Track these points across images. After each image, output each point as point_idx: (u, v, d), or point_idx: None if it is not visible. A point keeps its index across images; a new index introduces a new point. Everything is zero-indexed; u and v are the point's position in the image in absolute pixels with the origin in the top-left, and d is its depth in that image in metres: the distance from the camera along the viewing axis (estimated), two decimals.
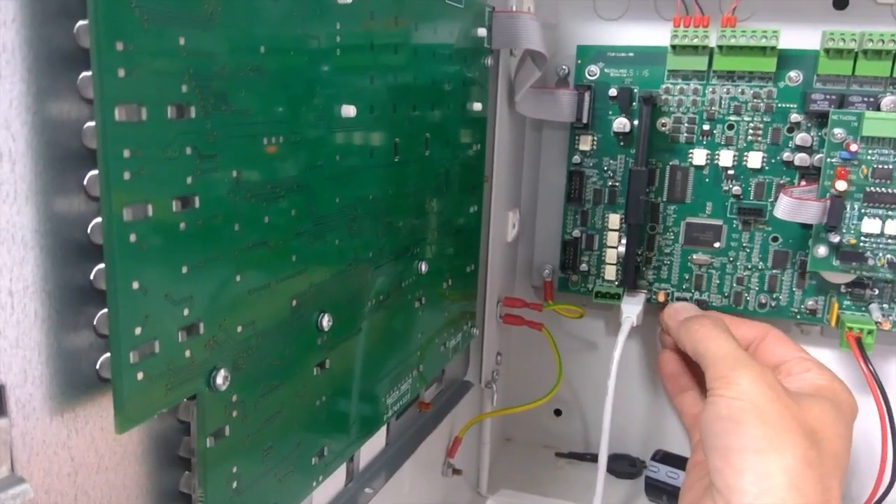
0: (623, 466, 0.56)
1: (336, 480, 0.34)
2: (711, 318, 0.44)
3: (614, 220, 0.52)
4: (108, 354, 0.19)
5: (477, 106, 0.42)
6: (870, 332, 0.46)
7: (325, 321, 0.28)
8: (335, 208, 0.28)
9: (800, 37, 0.47)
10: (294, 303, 0.26)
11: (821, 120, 0.47)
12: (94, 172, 0.18)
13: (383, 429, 0.38)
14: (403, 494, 0.43)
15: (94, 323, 0.19)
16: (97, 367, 0.20)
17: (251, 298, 0.24)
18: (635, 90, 0.50)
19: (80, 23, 0.18)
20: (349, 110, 0.28)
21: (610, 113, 0.51)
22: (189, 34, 0.19)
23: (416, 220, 0.36)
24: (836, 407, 0.39)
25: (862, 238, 0.45)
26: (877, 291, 0.48)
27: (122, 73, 0.17)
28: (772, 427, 0.36)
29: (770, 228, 0.49)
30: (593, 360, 0.57)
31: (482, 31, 0.42)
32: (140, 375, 0.19)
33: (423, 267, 0.37)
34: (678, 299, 0.51)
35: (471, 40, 0.41)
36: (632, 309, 0.49)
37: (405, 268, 0.35)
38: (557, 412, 0.59)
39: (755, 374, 0.38)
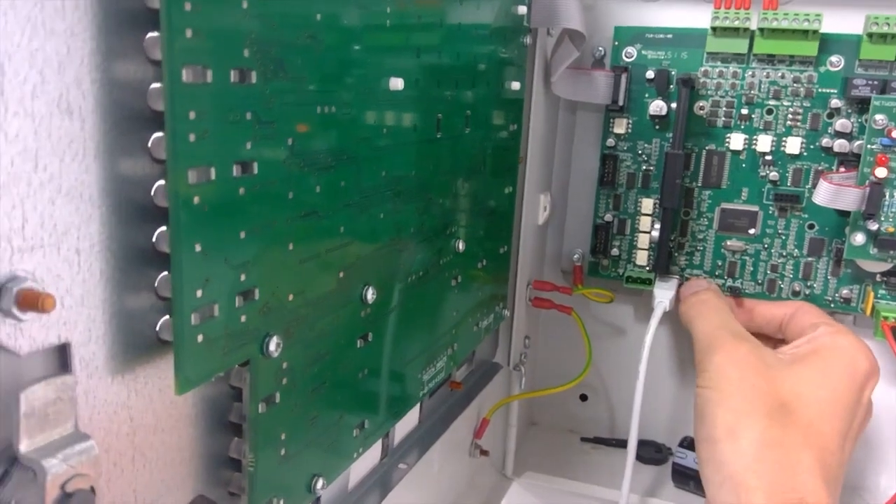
0: (649, 452, 0.55)
1: (372, 455, 0.34)
2: (706, 295, 0.45)
3: (647, 204, 0.51)
4: (167, 317, 0.20)
5: (515, 85, 0.42)
6: None
7: (370, 294, 0.28)
8: (381, 182, 0.28)
9: (842, 21, 0.46)
10: (341, 274, 0.26)
11: (862, 106, 0.46)
12: (159, 134, 0.18)
13: (416, 406, 0.38)
14: (433, 473, 0.43)
15: (155, 285, 0.19)
16: (157, 328, 0.20)
17: (302, 267, 0.24)
18: (673, 73, 0.49)
19: None
20: (397, 83, 0.28)
21: (646, 96, 0.50)
22: None
23: (454, 198, 0.36)
24: (824, 370, 0.38)
25: None
26: None
27: (189, 33, 0.17)
28: (732, 412, 0.36)
29: (806, 215, 0.48)
30: (621, 345, 0.56)
31: (522, 9, 0.41)
32: (200, 338, 0.19)
33: (461, 245, 0.37)
34: None
35: (511, 18, 0.40)
36: (665, 294, 0.49)
37: (443, 245, 0.35)
38: (583, 397, 0.59)
39: (725, 356, 0.39)
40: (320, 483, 0.26)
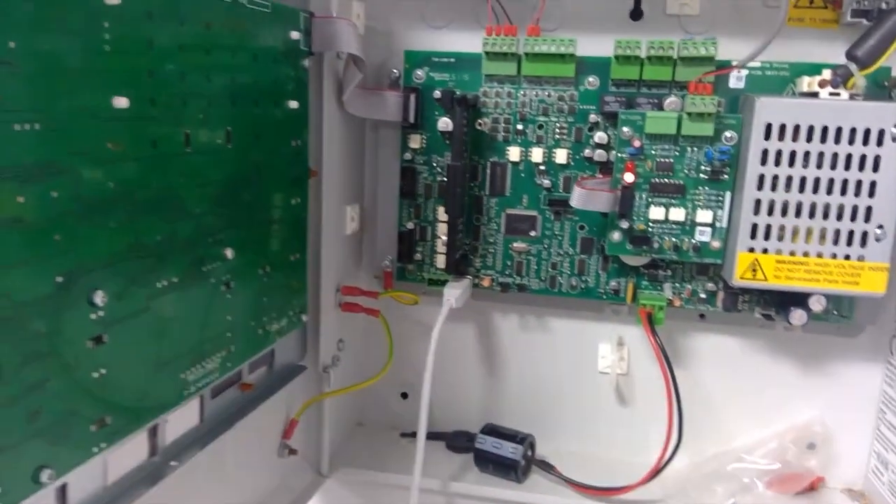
0: (462, 442, 0.59)
1: (136, 452, 0.36)
2: None
3: (443, 212, 0.56)
4: None
5: (293, 104, 0.45)
6: (661, 307, 0.52)
7: (99, 298, 0.30)
8: (109, 193, 0.31)
9: (599, 45, 0.52)
10: (59, 279, 0.28)
11: (615, 120, 0.52)
12: None
13: (195, 406, 0.40)
14: (227, 471, 0.45)
15: None
16: None
17: (4, 271, 0.26)
18: (458, 93, 0.54)
19: None
20: (121, 101, 0.30)
21: (436, 113, 0.55)
22: None
23: (219, 209, 0.39)
24: None
25: (650, 224, 0.51)
26: (670, 272, 0.54)
27: None
28: None
29: (577, 218, 0.54)
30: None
31: (296, 34, 0.45)
32: None
33: (230, 253, 0.40)
34: (501, 284, 0.56)
35: (283, 42, 0.44)
36: (452, 293, 0.53)
37: (206, 253, 0.38)
38: (404, 395, 0.63)
39: None
40: (47, 474, 0.28)
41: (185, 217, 0.36)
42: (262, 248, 0.44)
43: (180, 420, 0.39)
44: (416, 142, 0.56)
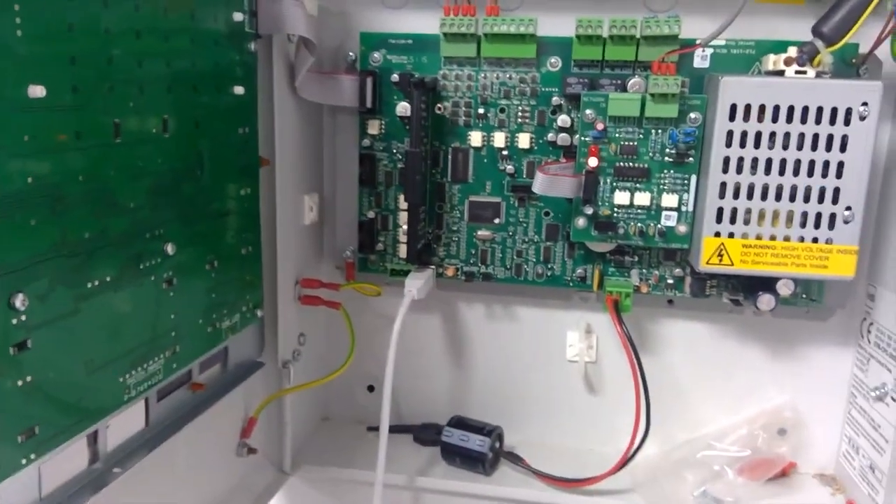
0: (430, 435, 0.58)
1: (75, 460, 0.34)
2: None
3: (404, 200, 0.54)
4: None
5: (238, 90, 0.43)
6: (627, 294, 0.51)
7: (20, 301, 0.28)
8: (27, 187, 0.29)
9: (560, 25, 0.51)
10: None
11: (578, 102, 0.50)
12: None
13: (139, 409, 0.39)
14: (179, 474, 0.43)
15: None
16: None
17: None
18: (416, 76, 0.52)
19: None
20: (36, 91, 0.28)
21: (394, 98, 0.53)
22: None
23: (157, 201, 0.37)
24: None
25: (615, 209, 0.49)
26: (636, 258, 0.52)
27: None
28: None
29: (542, 204, 0.53)
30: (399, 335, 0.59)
31: (239, 16, 0.43)
32: None
33: (171, 248, 0.38)
34: (466, 273, 0.54)
35: (223, 24, 0.41)
36: (413, 283, 0.51)
37: (144, 249, 0.36)
38: (370, 388, 0.61)
39: None
40: None
41: (117, 212, 0.34)
42: (209, 242, 0.42)
43: (123, 425, 0.37)
44: (374, 127, 0.54)
